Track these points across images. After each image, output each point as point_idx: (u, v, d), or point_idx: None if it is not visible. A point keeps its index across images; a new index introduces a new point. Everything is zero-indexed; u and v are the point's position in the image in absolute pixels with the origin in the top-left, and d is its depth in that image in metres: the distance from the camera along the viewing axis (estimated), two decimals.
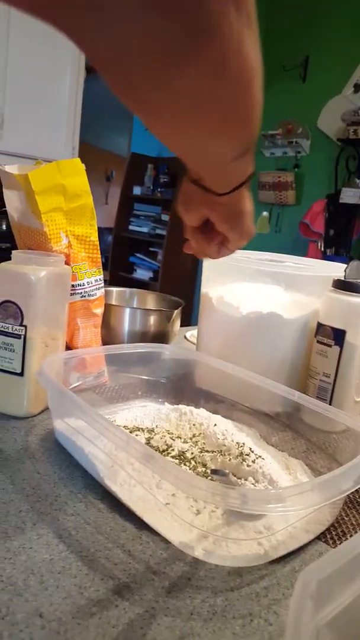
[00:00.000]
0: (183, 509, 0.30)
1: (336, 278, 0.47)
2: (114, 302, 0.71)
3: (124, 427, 0.40)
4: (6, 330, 0.40)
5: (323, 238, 2.15)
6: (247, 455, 0.36)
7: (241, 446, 0.37)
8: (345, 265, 0.48)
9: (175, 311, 0.64)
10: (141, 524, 0.29)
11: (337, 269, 0.51)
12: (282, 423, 0.42)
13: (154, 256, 2.89)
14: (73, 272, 0.50)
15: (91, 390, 0.47)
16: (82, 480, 0.33)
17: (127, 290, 0.76)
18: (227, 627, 0.23)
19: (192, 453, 0.36)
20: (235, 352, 0.50)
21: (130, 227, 2.95)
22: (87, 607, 0.23)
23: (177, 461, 0.35)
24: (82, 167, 0.49)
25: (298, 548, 0.29)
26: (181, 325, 0.70)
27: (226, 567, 0.27)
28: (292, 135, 2.27)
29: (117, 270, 2.95)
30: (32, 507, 0.30)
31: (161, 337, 0.63)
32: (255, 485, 0.33)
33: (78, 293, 0.51)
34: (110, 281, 2.80)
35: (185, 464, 0.35)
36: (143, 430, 0.39)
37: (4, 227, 1.82)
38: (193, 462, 0.35)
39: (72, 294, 0.50)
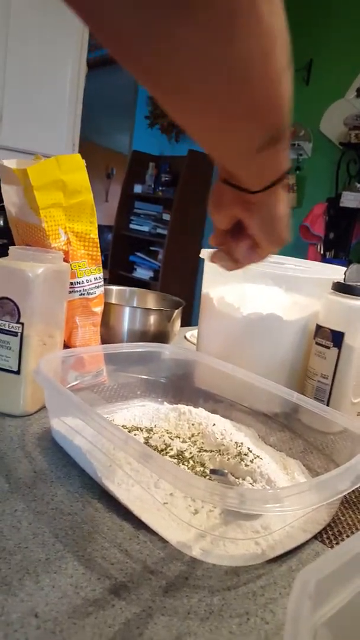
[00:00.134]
0: (181, 508, 0.29)
1: (336, 281, 0.47)
2: (113, 301, 0.71)
3: (123, 426, 0.40)
4: (3, 327, 0.40)
5: (323, 241, 2.15)
6: (245, 455, 0.36)
7: (239, 446, 0.37)
8: (344, 268, 0.48)
9: (176, 311, 0.64)
10: (139, 524, 0.29)
11: (337, 272, 0.51)
12: (281, 423, 0.42)
13: (154, 255, 2.89)
14: (72, 269, 0.50)
15: (89, 389, 0.47)
16: (79, 480, 0.33)
17: (127, 289, 0.75)
18: (224, 626, 0.23)
19: (190, 453, 0.36)
20: (235, 352, 0.50)
21: (131, 226, 2.95)
22: (83, 606, 0.23)
23: (175, 461, 0.35)
24: (83, 162, 0.49)
25: (295, 547, 0.29)
26: (181, 326, 0.70)
27: (223, 566, 0.27)
28: (294, 137, 2.27)
29: (117, 269, 2.95)
30: (28, 506, 0.30)
31: (161, 336, 0.62)
32: (253, 485, 0.33)
33: (77, 291, 0.51)
34: (110, 280, 2.80)
35: (183, 464, 0.35)
36: (142, 430, 0.39)
37: (1, 222, 1.81)
38: (191, 462, 0.35)
39: (70, 292, 0.50)
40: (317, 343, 0.47)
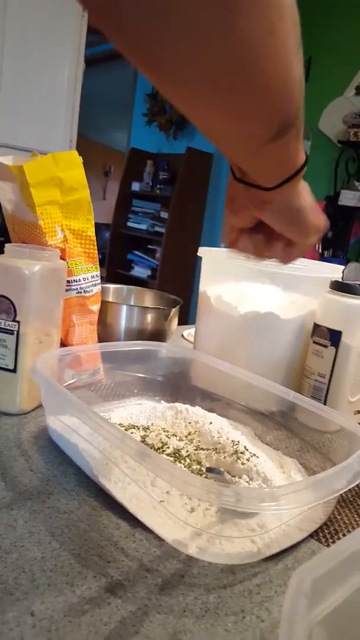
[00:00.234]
0: (177, 506, 0.29)
1: (334, 279, 0.47)
2: (111, 299, 0.71)
3: (120, 424, 0.40)
4: None
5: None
6: (241, 453, 0.36)
7: (236, 444, 0.37)
8: (342, 267, 0.48)
9: (173, 309, 0.64)
10: (135, 522, 0.29)
11: (335, 271, 0.51)
12: (277, 422, 0.42)
13: (152, 254, 2.89)
14: (69, 267, 0.50)
15: (86, 387, 0.47)
16: (76, 478, 0.33)
17: (124, 287, 0.75)
18: (220, 624, 0.23)
19: (187, 451, 0.36)
20: (232, 351, 0.50)
21: (129, 224, 2.94)
22: (79, 605, 0.23)
23: (172, 459, 0.35)
24: (79, 159, 0.49)
25: (291, 546, 0.29)
26: (179, 324, 0.70)
27: (219, 564, 0.27)
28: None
29: (114, 268, 2.94)
30: (24, 505, 0.30)
31: (158, 335, 0.62)
32: (249, 484, 0.33)
33: (74, 289, 0.51)
34: (107, 278, 2.79)
35: (180, 462, 0.35)
36: (138, 428, 0.39)
37: None
38: (188, 460, 0.35)
39: (67, 290, 0.50)
40: (314, 342, 0.47)
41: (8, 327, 0.40)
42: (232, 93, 0.19)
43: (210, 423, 0.40)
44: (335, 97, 2.18)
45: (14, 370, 0.40)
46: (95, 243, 0.52)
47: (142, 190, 2.87)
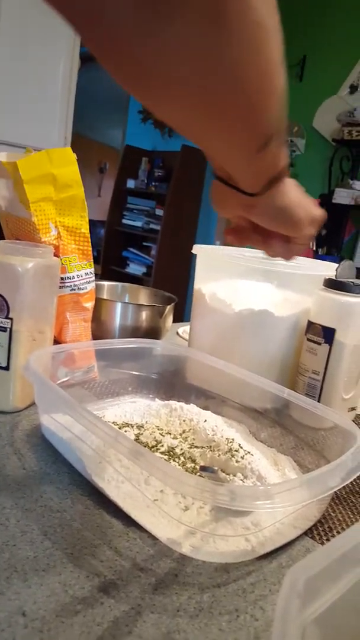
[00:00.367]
0: (171, 505, 0.29)
1: (327, 277, 0.47)
2: (105, 297, 0.71)
3: (113, 422, 0.40)
4: None
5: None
6: (236, 451, 0.36)
7: (230, 442, 0.37)
8: (336, 265, 0.48)
9: (168, 307, 0.63)
10: (128, 521, 0.29)
11: (329, 268, 0.51)
12: (272, 419, 0.42)
13: (147, 251, 2.88)
14: (62, 264, 0.49)
15: (80, 385, 0.47)
16: (69, 477, 0.33)
17: (118, 284, 0.75)
18: (214, 623, 0.23)
19: (181, 449, 0.36)
20: (226, 348, 0.50)
21: (124, 221, 2.93)
22: (72, 605, 0.23)
23: (166, 457, 0.35)
24: (74, 156, 0.48)
25: (285, 544, 0.29)
26: (174, 321, 0.69)
27: (213, 563, 0.27)
28: (287, 134, 2.27)
29: (109, 265, 2.93)
30: (17, 504, 0.29)
31: (153, 332, 0.62)
32: (244, 481, 0.33)
33: (67, 286, 0.51)
34: (102, 275, 2.78)
35: (174, 460, 0.35)
36: (132, 427, 0.39)
37: None
38: (182, 458, 0.35)
39: (61, 287, 0.49)
40: (308, 339, 0.47)
41: (1, 324, 0.39)
42: (221, 111, 0.20)
43: (205, 421, 0.40)
44: (329, 95, 2.19)
45: (6, 368, 0.40)
46: (90, 240, 0.52)
47: (137, 187, 2.86)
